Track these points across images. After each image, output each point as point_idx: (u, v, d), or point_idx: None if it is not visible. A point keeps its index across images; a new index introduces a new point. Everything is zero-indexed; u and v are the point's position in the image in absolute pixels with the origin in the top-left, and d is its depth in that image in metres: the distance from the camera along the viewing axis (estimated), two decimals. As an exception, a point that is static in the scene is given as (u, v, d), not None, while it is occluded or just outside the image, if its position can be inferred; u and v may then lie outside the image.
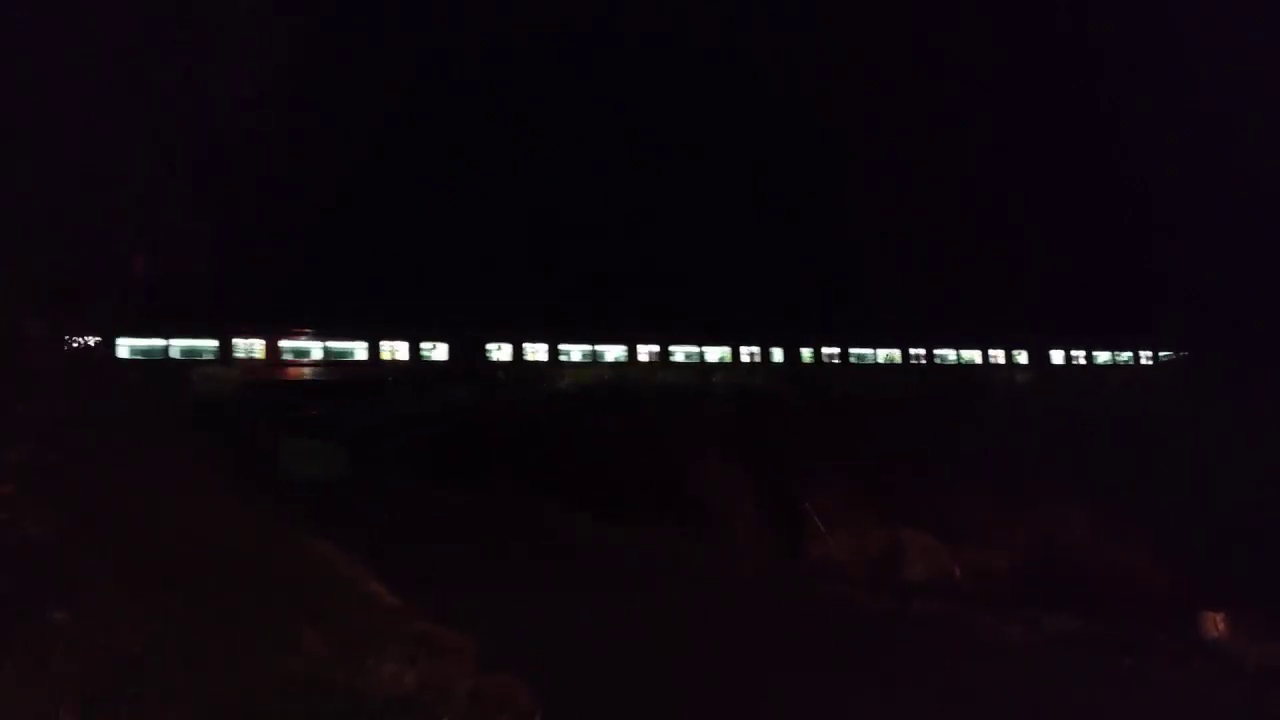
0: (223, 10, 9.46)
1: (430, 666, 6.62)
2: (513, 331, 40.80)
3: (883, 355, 48.19)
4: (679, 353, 44.62)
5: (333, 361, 37.00)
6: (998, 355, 49.47)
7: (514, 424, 27.38)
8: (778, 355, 45.79)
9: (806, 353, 46.55)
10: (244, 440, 22.94)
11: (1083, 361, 51.01)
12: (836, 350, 47.10)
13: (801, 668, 8.57)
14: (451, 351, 39.41)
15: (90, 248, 9.01)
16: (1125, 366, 50.67)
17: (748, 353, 45.19)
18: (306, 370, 36.32)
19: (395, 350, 38.65)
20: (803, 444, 17.24)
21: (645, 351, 43.50)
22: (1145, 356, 50.98)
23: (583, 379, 37.10)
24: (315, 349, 37.12)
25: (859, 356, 47.52)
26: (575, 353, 42.37)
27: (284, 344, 36.23)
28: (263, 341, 35.48)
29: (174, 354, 33.02)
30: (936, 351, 48.93)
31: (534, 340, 41.25)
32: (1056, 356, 50.62)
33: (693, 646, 9.23)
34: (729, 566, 13.88)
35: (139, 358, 29.50)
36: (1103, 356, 51.44)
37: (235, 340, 34.86)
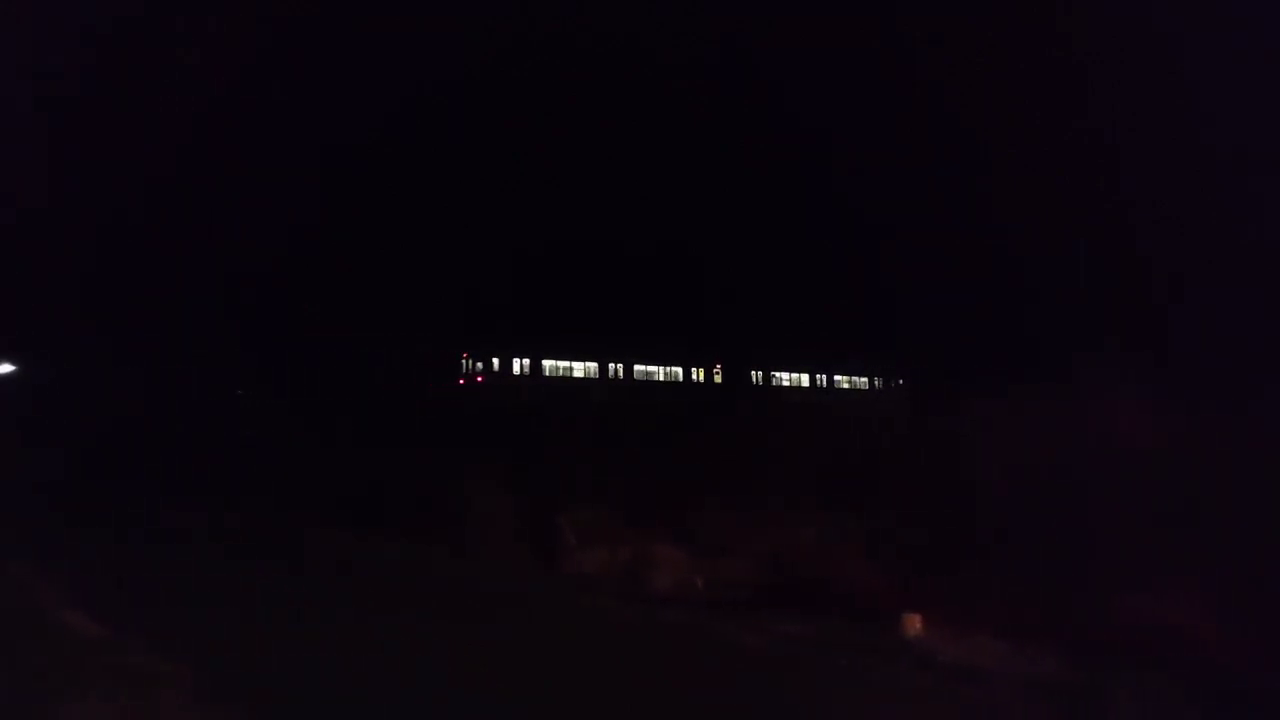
0: None
1: (135, 702, 5.95)
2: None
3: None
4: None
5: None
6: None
7: (255, 438, 25.50)
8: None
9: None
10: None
11: (822, 384, 55.29)
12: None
13: (556, 677, 8.62)
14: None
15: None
16: (857, 391, 55.50)
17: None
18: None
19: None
20: (556, 460, 17.42)
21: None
22: (876, 382, 56.01)
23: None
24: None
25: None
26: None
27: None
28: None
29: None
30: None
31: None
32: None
33: (445, 663, 9.01)
34: (483, 580, 13.70)
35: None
36: (838, 380, 56.02)
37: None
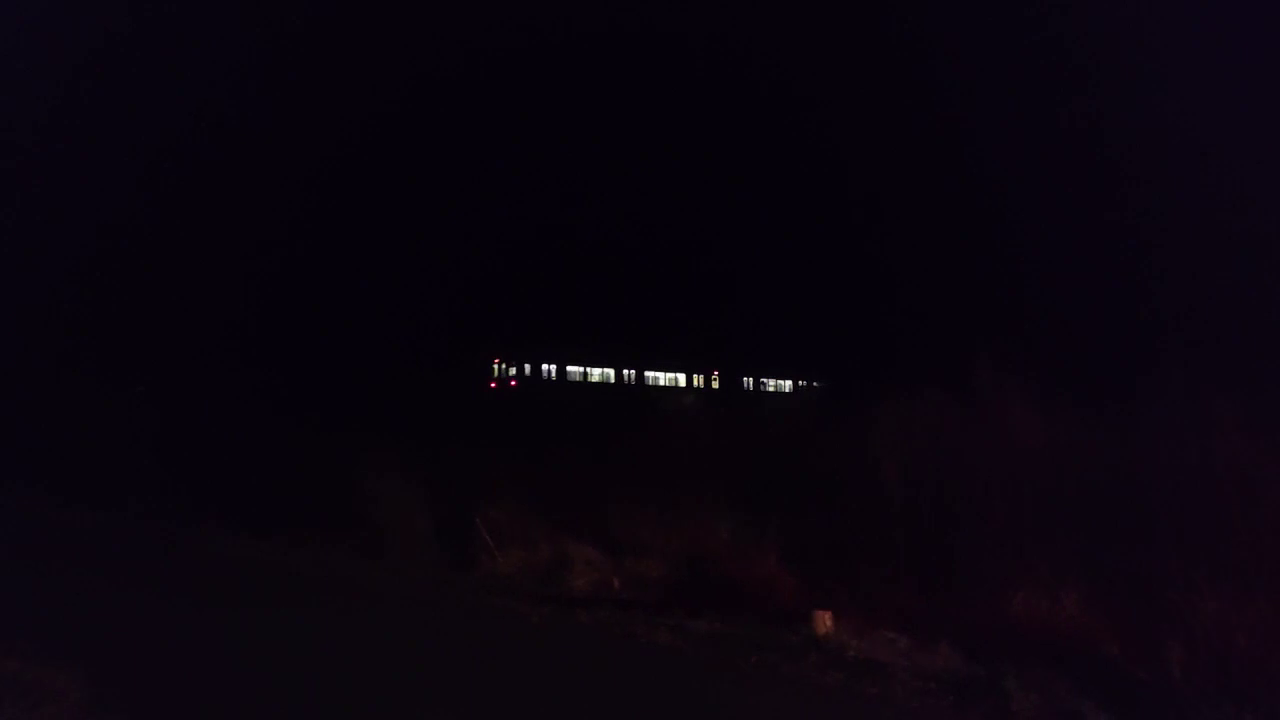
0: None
1: (17, 716, 5.66)
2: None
3: (648, 379, 49.65)
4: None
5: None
6: (659, 377, 52.67)
7: (156, 437, 24.49)
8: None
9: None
10: None
11: (741, 387, 56.02)
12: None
13: (470, 680, 8.56)
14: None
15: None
16: (777, 394, 56.37)
17: (528, 368, 44.96)
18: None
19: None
20: (473, 460, 17.24)
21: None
22: (797, 385, 56.97)
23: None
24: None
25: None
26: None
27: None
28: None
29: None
30: (680, 376, 51.24)
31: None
32: (708, 380, 55.04)
33: (359, 667, 8.86)
34: (398, 583, 13.47)
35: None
36: (753, 383, 56.86)
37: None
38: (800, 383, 55.89)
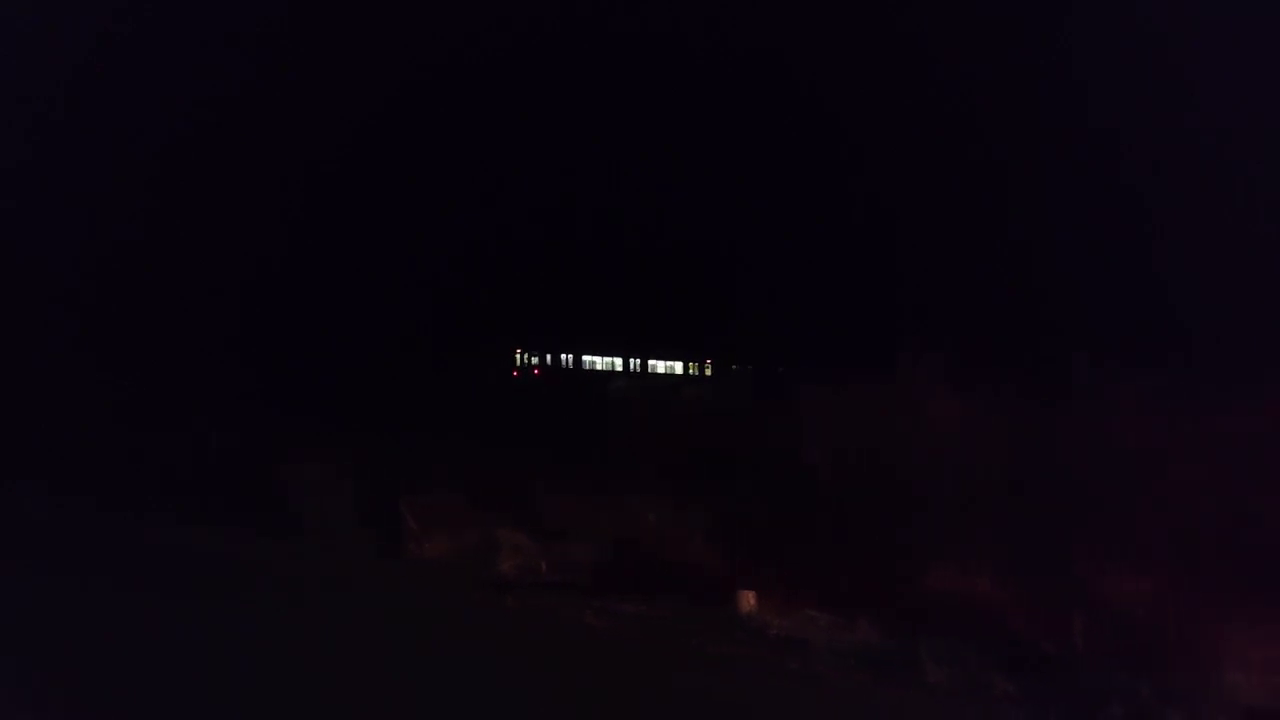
0: None
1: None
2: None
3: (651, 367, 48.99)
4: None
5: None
6: (595, 362, 52.33)
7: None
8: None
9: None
10: None
11: (673, 371, 55.96)
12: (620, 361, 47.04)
13: (397, 668, 8.50)
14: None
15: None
16: (704, 378, 56.41)
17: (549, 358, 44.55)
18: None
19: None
20: (399, 443, 16.99)
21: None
22: (727, 368, 56.96)
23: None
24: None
25: (634, 367, 47.84)
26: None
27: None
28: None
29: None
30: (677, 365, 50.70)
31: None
32: (639, 364, 55.02)
33: (283, 654, 8.71)
34: (322, 569, 13.22)
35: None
36: (682, 367, 56.89)
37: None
38: (724, 367, 56.11)
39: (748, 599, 10.29)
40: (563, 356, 43.91)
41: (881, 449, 11.94)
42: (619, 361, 46.05)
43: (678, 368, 48.08)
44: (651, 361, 47.87)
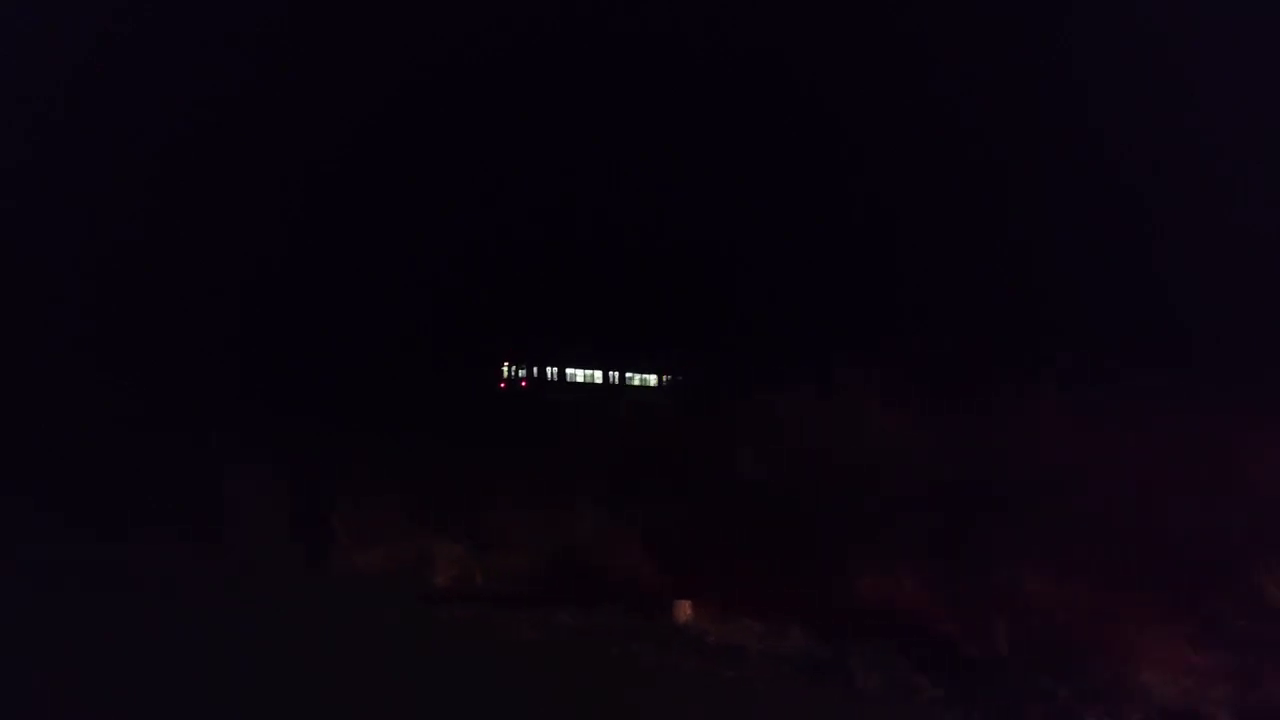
0: None
1: None
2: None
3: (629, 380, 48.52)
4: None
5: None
6: (576, 375, 51.81)
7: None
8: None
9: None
10: None
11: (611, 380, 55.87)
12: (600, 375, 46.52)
13: (325, 683, 8.32)
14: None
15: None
16: (643, 387, 56.42)
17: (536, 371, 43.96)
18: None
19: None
20: (331, 455, 16.66)
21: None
22: (662, 379, 57.03)
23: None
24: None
25: (614, 380, 47.33)
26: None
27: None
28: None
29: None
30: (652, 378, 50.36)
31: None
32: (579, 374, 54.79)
33: (207, 671, 8.47)
34: (247, 582, 12.87)
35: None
36: (626, 377, 56.73)
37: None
38: (663, 377, 56.22)
39: (684, 609, 10.33)
40: (549, 370, 44.18)
41: (813, 459, 12.13)
42: (599, 375, 46.27)
43: (651, 380, 48.36)
44: (628, 374, 48.24)
